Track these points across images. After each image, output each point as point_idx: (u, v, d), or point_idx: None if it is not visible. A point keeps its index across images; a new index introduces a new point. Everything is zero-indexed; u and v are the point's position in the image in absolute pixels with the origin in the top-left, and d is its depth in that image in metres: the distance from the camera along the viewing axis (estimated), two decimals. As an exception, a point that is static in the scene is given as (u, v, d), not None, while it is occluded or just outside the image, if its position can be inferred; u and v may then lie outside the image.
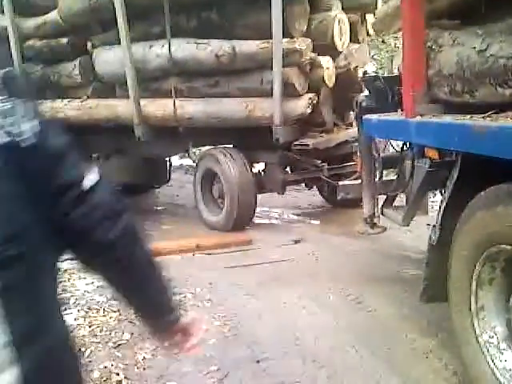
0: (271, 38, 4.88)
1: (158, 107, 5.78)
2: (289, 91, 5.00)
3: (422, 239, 3.43)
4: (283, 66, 4.91)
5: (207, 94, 5.53)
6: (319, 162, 5.52)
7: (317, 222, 5.89)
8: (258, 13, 5.04)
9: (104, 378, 2.51)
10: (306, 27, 5.14)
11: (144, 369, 2.66)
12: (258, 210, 5.69)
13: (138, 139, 5.91)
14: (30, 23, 6.34)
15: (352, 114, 5.97)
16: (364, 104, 3.89)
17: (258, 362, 2.74)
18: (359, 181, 4.25)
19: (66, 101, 6.43)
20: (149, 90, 5.88)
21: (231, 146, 5.92)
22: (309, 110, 5.05)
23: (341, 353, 2.79)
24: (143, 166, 6.67)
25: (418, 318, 3.08)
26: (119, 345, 2.84)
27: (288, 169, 5.86)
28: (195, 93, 5.59)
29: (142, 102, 5.81)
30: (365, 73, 5.04)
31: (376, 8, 5.78)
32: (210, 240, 5.11)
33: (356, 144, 5.89)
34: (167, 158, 7.10)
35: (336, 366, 2.67)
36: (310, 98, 5.05)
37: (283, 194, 5.77)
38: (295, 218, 6.21)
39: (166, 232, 5.58)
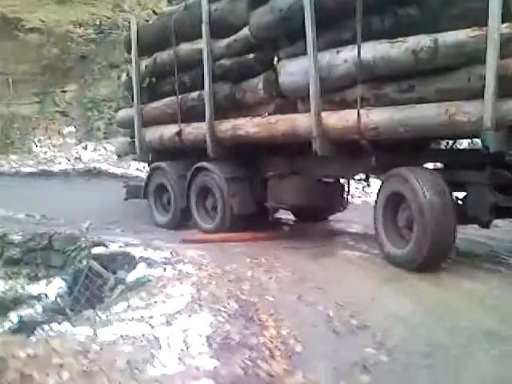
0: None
1: (340, 118, 5.17)
2: (507, 88, 3.94)
3: None
4: (501, 58, 3.92)
5: (398, 101, 4.74)
6: None
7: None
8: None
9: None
10: (534, 11, 4.09)
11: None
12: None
13: (315, 154, 5.35)
14: (222, 43, 6.44)
15: None
16: None
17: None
18: None
19: (247, 118, 6.27)
20: (332, 102, 5.35)
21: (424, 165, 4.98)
22: (534, 113, 3.88)
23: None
24: (318, 189, 6.07)
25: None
26: (230, 281, 4.18)
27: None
28: (383, 100, 4.85)
29: (323, 114, 5.29)
30: None
31: None
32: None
33: None
34: (345, 183, 6.38)
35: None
36: (537, 97, 3.89)
37: (488, 226, 4.52)
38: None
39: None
